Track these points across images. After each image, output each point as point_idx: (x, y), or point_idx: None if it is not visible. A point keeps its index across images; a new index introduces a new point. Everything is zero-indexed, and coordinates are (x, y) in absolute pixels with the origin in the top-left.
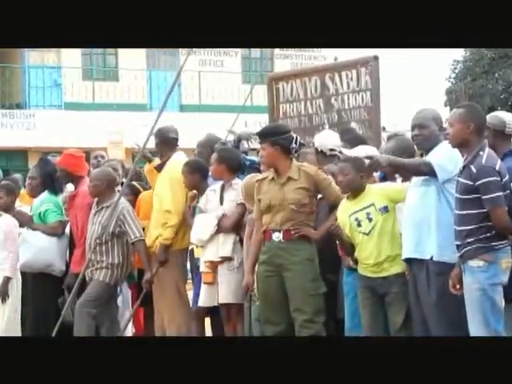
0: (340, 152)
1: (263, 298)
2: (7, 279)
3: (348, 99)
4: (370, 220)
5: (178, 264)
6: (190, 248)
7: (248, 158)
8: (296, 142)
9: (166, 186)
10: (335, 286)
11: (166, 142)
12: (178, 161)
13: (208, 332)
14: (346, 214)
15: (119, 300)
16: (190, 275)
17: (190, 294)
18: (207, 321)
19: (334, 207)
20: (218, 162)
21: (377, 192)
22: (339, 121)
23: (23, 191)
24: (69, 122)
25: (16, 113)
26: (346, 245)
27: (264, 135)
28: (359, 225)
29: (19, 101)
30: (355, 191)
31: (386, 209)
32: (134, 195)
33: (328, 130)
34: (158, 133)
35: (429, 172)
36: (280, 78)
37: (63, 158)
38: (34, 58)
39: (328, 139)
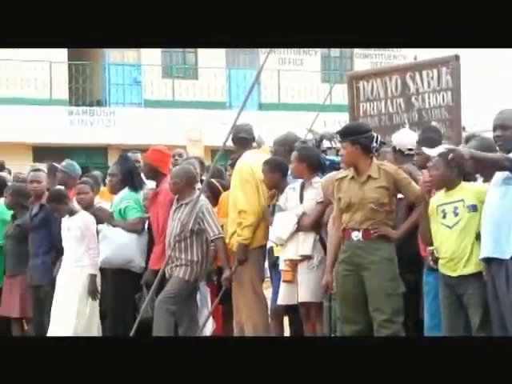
0: (419, 152)
1: (342, 297)
2: (93, 276)
3: (429, 98)
4: (456, 214)
5: (254, 262)
6: (268, 246)
7: (328, 157)
8: (377, 141)
9: (237, 185)
10: (413, 286)
11: (237, 141)
12: (246, 159)
13: (286, 331)
14: (435, 203)
15: (197, 297)
16: (268, 273)
17: (268, 293)
18: (286, 319)
19: (413, 207)
20: (299, 160)
21: (469, 189)
22: (420, 120)
23: (103, 188)
24: (148, 119)
25: (96, 110)
26: (427, 228)
27: (345, 134)
28: (444, 217)
29: (99, 98)
30: (448, 186)
31: (474, 207)
32: (212, 193)
33: (406, 129)
34: (233, 131)
35: (510, 167)
36: (360, 77)
37: (150, 152)
38: (114, 55)
39: (407, 138)
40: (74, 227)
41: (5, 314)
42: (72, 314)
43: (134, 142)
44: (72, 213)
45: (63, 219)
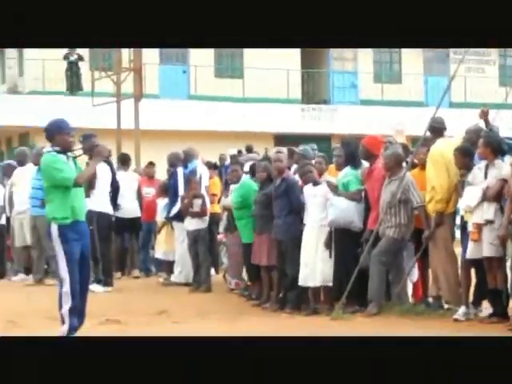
0: None
1: None
2: (330, 233)
3: None
4: None
5: (447, 225)
6: (461, 213)
7: (508, 142)
8: None
9: (430, 166)
10: None
11: (432, 130)
12: (438, 145)
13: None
14: None
15: (404, 253)
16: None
17: (458, 250)
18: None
19: None
20: (485, 145)
21: None
22: None
23: (331, 166)
24: (363, 115)
25: (322, 107)
26: None
27: None
28: None
29: (325, 98)
30: None
31: None
32: None
33: None
34: (429, 123)
35: None
36: None
37: (368, 138)
38: (337, 64)
39: None
40: (319, 195)
41: (256, 262)
42: (318, 263)
43: (352, 132)
44: (316, 183)
45: (307, 187)
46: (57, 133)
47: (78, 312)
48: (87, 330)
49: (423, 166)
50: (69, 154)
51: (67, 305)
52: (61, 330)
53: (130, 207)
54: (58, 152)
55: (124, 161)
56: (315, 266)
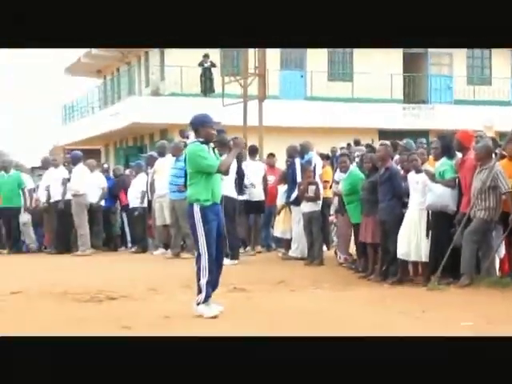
0: None
1: None
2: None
3: None
4: None
5: None
6: None
7: None
8: None
9: None
10: None
11: None
12: None
13: None
14: None
15: (493, 233)
16: None
17: None
18: None
19: None
20: None
21: None
22: None
23: (429, 157)
24: (457, 113)
25: (421, 106)
26: None
27: None
28: None
29: (424, 98)
30: None
31: None
32: None
33: None
34: None
35: None
36: None
37: (461, 133)
38: (434, 69)
39: None
40: (420, 182)
41: (362, 240)
42: (422, 240)
43: (447, 127)
44: (418, 171)
45: (411, 174)
46: (200, 126)
47: (213, 283)
48: (218, 295)
49: (511, 158)
50: (210, 144)
51: (205, 278)
52: (198, 298)
53: (256, 192)
54: (202, 142)
55: (253, 151)
56: (419, 244)
